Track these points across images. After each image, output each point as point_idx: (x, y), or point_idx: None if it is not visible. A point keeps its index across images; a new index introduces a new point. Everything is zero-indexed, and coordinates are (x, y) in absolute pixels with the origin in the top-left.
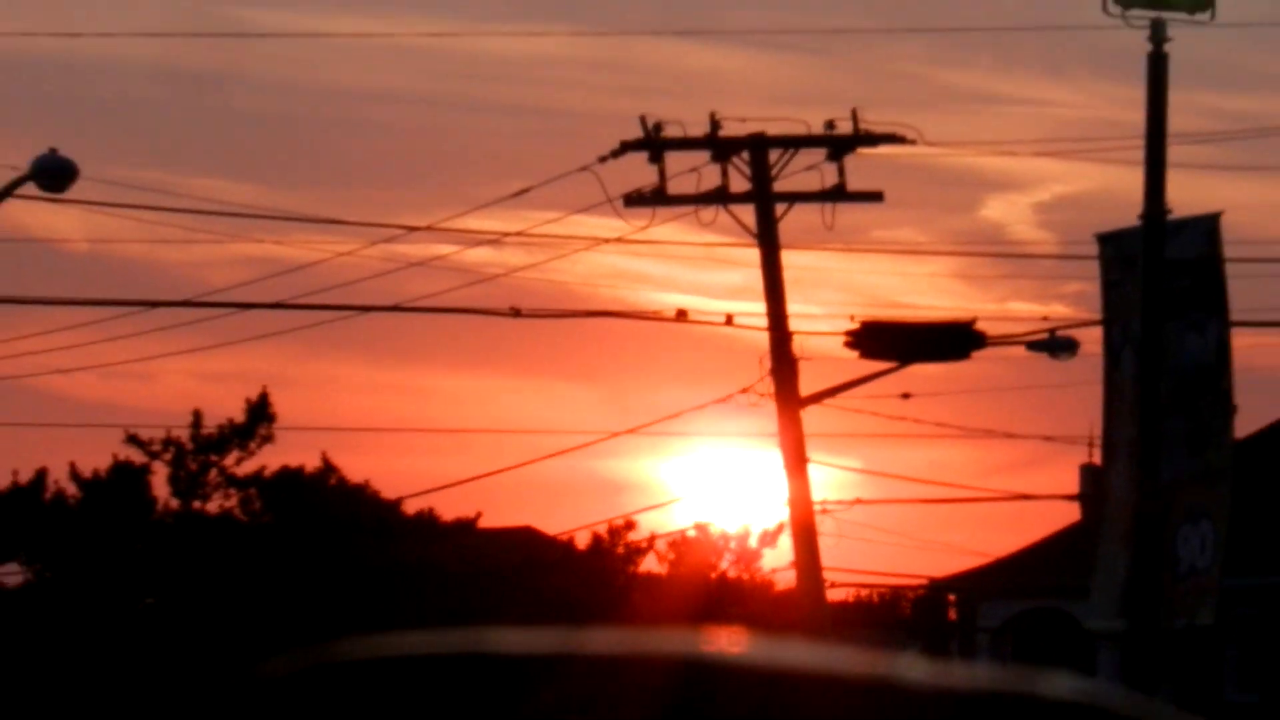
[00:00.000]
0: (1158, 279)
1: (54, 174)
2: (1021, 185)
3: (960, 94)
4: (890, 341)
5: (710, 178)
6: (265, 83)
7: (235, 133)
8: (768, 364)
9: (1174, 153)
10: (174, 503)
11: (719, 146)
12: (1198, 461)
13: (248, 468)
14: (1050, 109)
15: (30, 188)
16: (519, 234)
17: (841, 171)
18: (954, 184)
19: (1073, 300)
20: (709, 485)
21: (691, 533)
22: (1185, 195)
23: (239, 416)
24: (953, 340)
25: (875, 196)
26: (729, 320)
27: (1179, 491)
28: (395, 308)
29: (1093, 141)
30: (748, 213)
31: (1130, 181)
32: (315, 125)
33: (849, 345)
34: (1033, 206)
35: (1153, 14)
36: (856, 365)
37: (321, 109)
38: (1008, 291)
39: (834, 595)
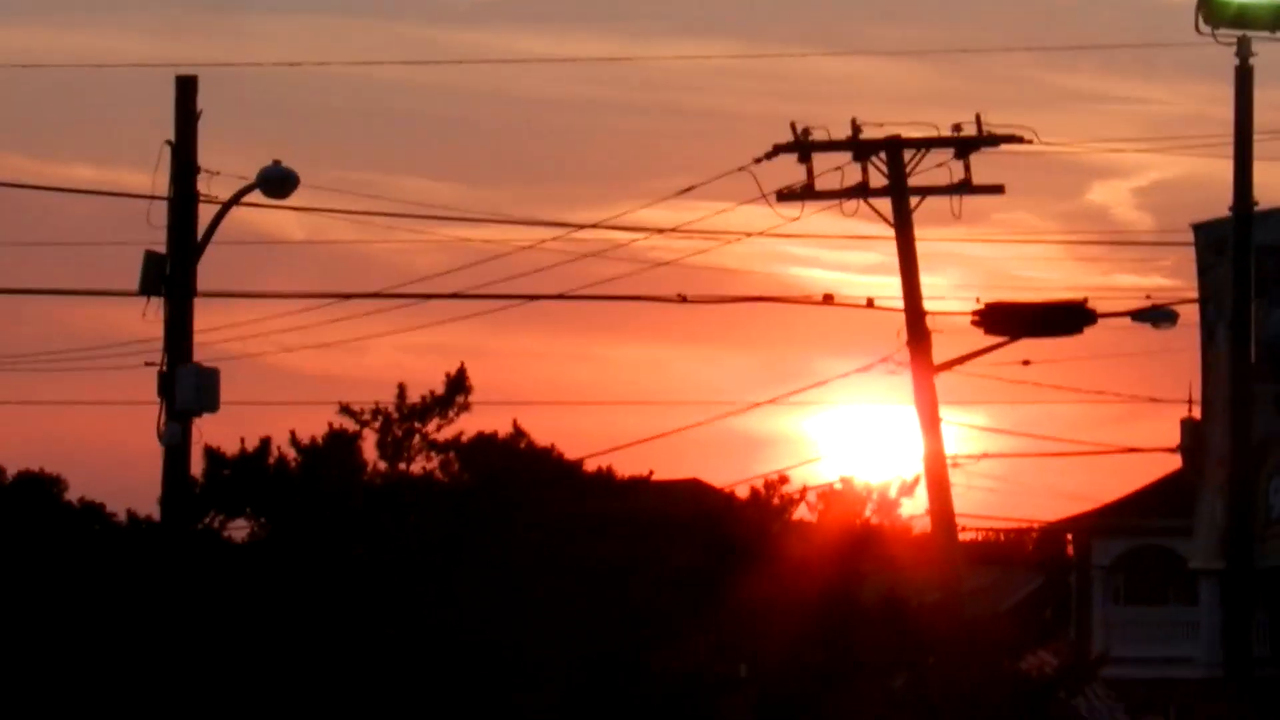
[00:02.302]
0: (1246, 265)
1: (277, 183)
2: (1122, 173)
3: (1067, 95)
4: (1011, 320)
5: (852, 175)
6: (460, 93)
7: (435, 138)
8: (904, 337)
9: (1260, 146)
10: (382, 465)
11: (859, 148)
12: None
13: (447, 434)
14: (1146, 105)
15: (257, 194)
16: (685, 227)
17: (967, 168)
18: (1062, 173)
19: (1169, 273)
20: (854, 443)
21: (838, 485)
22: (1272, 180)
23: (439, 388)
24: (1066, 318)
25: (997, 189)
26: (870, 303)
27: (1269, 447)
28: (578, 296)
29: (1184, 135)
30: (885, 205)
31: (1217, 168)
32: (504, 130)
33: (975, 324)
34: (1132, 191)
35: (1238, 32)
36: (983, 336)
37: (510, 116)
38: (1111, 266)
39: (964, 538)
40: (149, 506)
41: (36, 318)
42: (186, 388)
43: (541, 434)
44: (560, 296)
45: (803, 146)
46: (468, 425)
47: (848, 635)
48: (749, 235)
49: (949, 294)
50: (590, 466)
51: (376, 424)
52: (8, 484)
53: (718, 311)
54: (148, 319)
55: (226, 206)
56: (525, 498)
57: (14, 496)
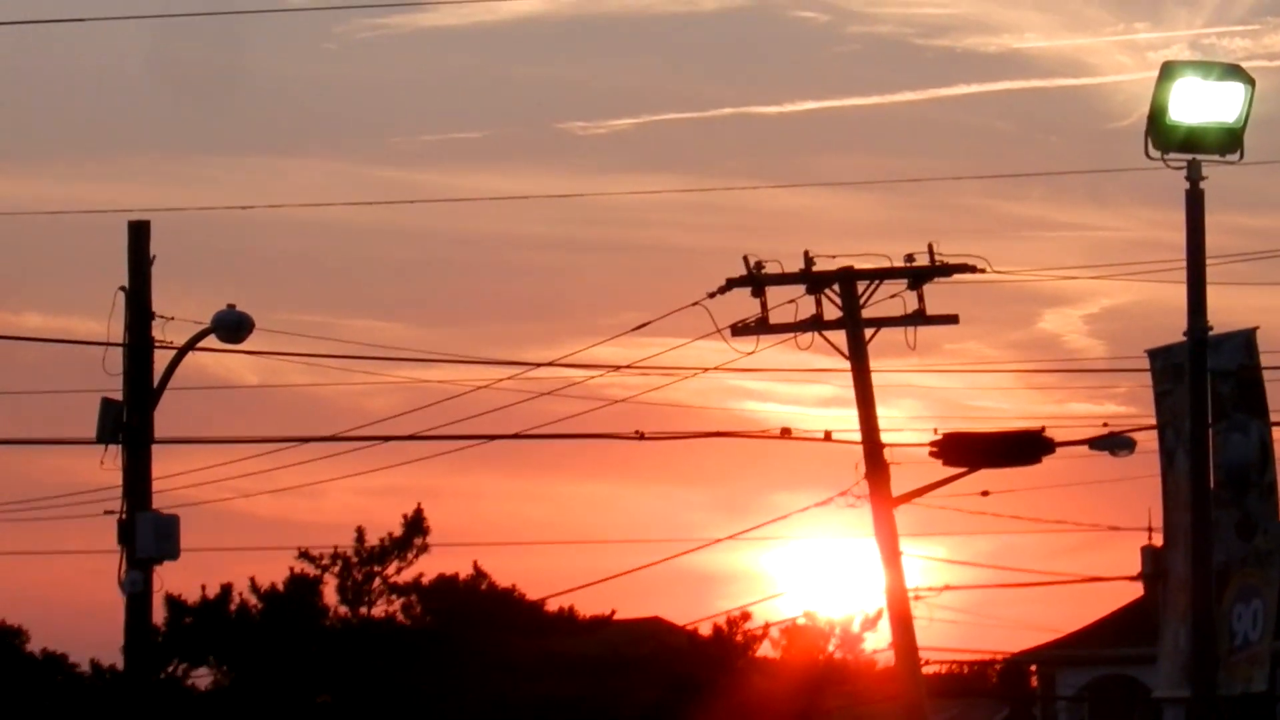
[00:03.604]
0: (1202, 389)
1: (233, 327)
2: (1074, 301)
3: (1017, 223)
4: (969, 451)
5: (806, 308)
6: (411, 233)
7: (387, 278)
8: (862, 469)
9: (1211, 270)
10: (343, 610)
11: (813, 280)
12: (1247, 546)
13: (407, 576)
14: (1096, 232)
15: (212, 339)
16: (640, 363)
17: (921, 298)
18: (1013, 302)
19: (1124, 399)
20: (814, 578)
21: (801, 620)
22: (1223, 303)
23: (397, 530)
24: (1025, 447)
25: (951, 319)
26: (827, 436)
27: (1231, 574)
28: (534, 435)
29: (1134, 261)
30: (840, 337)
31: (1168, 292)
32: (456, 270)
33: (933, 455)
34: (1083, 319)
35: (1188, 156)
36: (941, 467)
37: (461, 255)
38: (1066, 395)
39: (928, 671)
40: (112, 655)
41: None
42: (146, 535)
43: (502, 574)
44: (517, 436)
45: (756, 280)
46: (427, 566)
47: None
48: (704, 370)
49: (906, 425)
50: (552, 606)
51: (336, 568)
52: None
53: (675, 447)
54: (106, 467)
55: (183, 352)
56: (488, 639)
57: None
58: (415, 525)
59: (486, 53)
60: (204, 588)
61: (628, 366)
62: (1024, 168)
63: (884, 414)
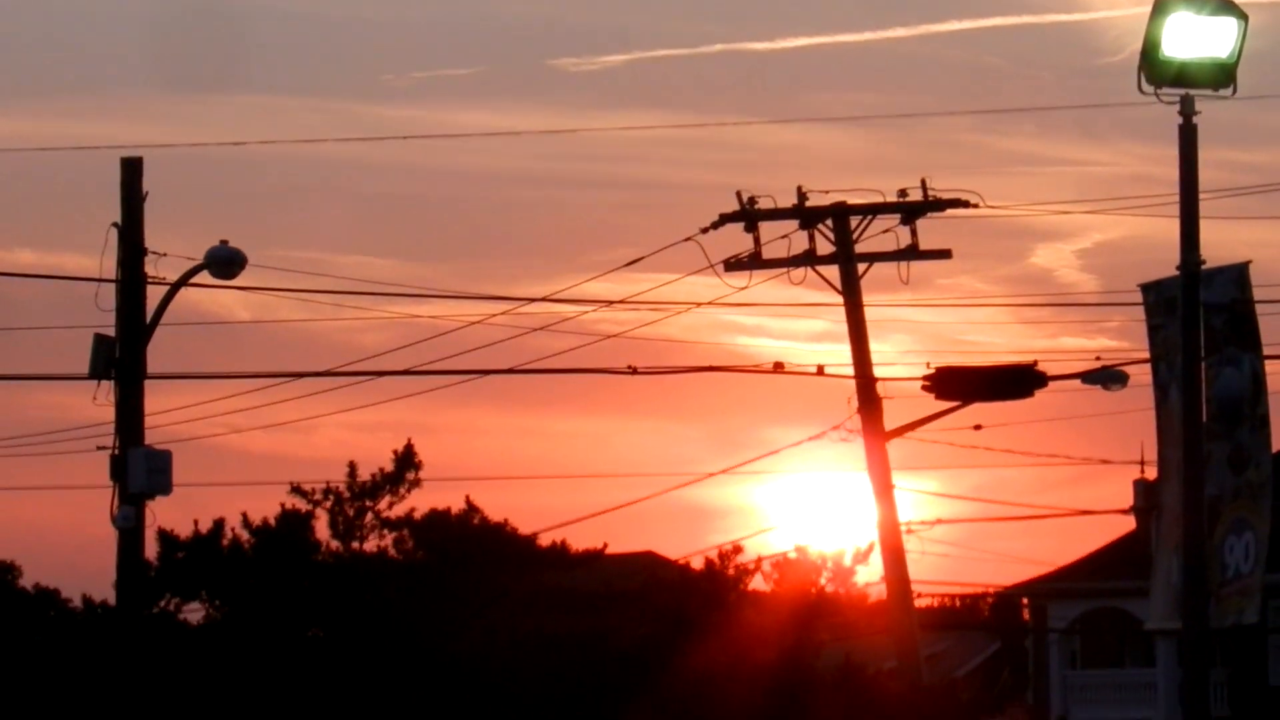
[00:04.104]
0: (1195, 323)
1: (225, 263)
2: (1066, 236)
3: (1010, 159)
4: (962, 384)
5: (799, 243)
6: (403, 170)
7: (379, 215)
8: (855, 403)
9: (1204, 205)
10: (335, 545)
11: (806, 216)
12: (1240, 479)
13: (399, 511)
14: (1088, 167)
15: (204, 275)
16: (632, 299)
17: (914, 233)
18: (1005, 237)
19: (1116, 334)
20: (807, 511)
21: (792, 554)
22: (1215, 238)
23: (389, 466)
24: (1017, 381)
25: (944, 254)
26: (820, 370)
27: (1223, 506)
28: (526, 370)
29: (1127, 196)
30: (833, 273)
31: (1159, 226)
32: (448, 206)
33: (926, 389)
34: (1075, 253)
35: (1181, 91)
36: (934, 401)
37: (453, 191)
38: (1058, 329)
39: (920, 604)
40: (104, 590)
41: None
42: (139, 471)
43: (494, 509)
44: (509, 371)
45: (749, 215)
46: (419, 502)
47: (804, 704)
48: (697, 305)
49: (898, 360)
50: (544, 541)
51: (328, 503)
52: None
53: (668, 382)
54: (99, 403)
55: (175, 288)
56: (480, 574)
57: None
58: (407, 460)
59: None
60: (196, 523)
61: (620, 302)
62: (1016, 103)
63: (876, 349)
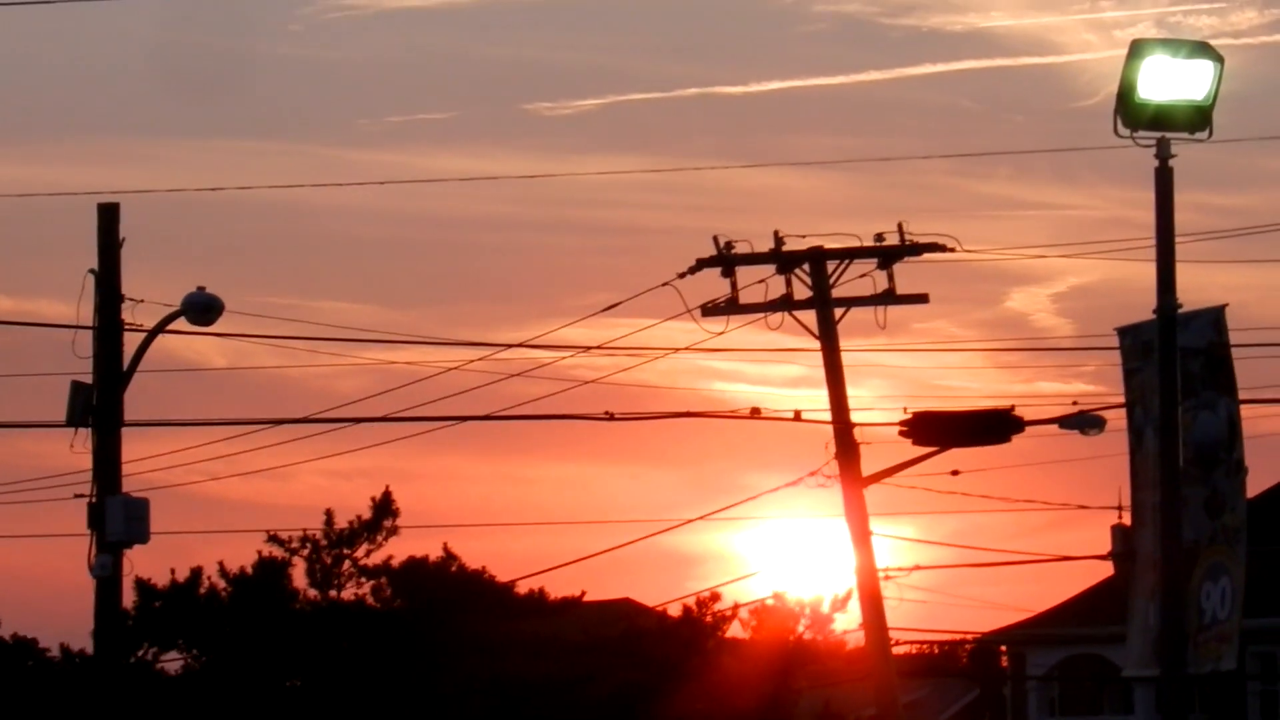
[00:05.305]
0: (1172, 367)
1: (202, 309)
2: (1041, 280)
3: (985, 203)
4: (939, 430)
5: (776, 288)
6: (379, 215)
7: (355, 260)
8: (832, 449)
9: (1180, 248)
10: (312, 593)
11: (783, 260)
12: (1216, 524)
13: (377, 559)
14: (1063, 211)
15: (182, 322)
16: (609, 344)
17: (891, 278)
18: (981, 281)
19: (1092, 378)
20: (784, 558)
21: (770, 601)
22: (1192, 281)
23: (366, 513)
24: (994, 426)
25: (921, 299)
26: (797, 416)
27: (1200, 551)
28: (503, 416)
29: (1102, 240)
30: (810, 317)
31: (1135, 270)
32: (424, 251)
33: (903, 434)
34: (1051, 297)
35: (1157, 134)
36: (911, 446)
37: (429, 236)
38: (1034, 374)
39: (899, 651)
40: (82, 639)
41: None
42: (116, 519)
43: (472, 556)
44: (486, 418)
45: (726, 260)
46: (397, 549)
47: None
48: (674, 351)
49: (875, 405)
50: (522, 588)
51: (305, 551)
52: None
53: (645, 428)
54: (76, 450)
55: (153, 334)
56: (458, 621)
57: None
58: (384, 508)
59: (452, 33)
60: (173, 572)
61: (597, 347)
62: (991, 146)
63: (854, 394)
